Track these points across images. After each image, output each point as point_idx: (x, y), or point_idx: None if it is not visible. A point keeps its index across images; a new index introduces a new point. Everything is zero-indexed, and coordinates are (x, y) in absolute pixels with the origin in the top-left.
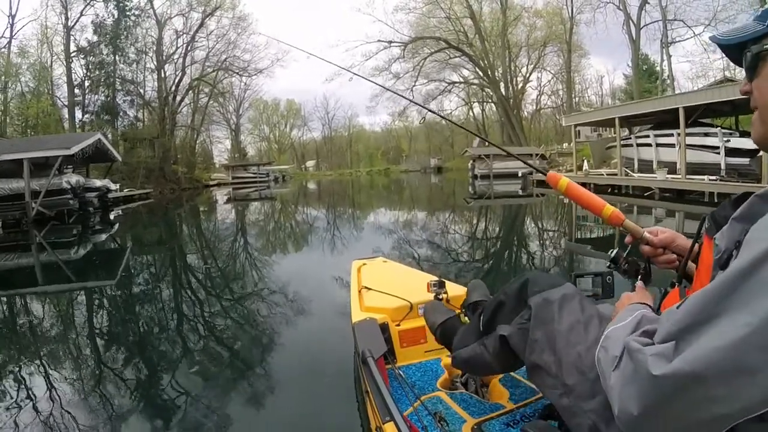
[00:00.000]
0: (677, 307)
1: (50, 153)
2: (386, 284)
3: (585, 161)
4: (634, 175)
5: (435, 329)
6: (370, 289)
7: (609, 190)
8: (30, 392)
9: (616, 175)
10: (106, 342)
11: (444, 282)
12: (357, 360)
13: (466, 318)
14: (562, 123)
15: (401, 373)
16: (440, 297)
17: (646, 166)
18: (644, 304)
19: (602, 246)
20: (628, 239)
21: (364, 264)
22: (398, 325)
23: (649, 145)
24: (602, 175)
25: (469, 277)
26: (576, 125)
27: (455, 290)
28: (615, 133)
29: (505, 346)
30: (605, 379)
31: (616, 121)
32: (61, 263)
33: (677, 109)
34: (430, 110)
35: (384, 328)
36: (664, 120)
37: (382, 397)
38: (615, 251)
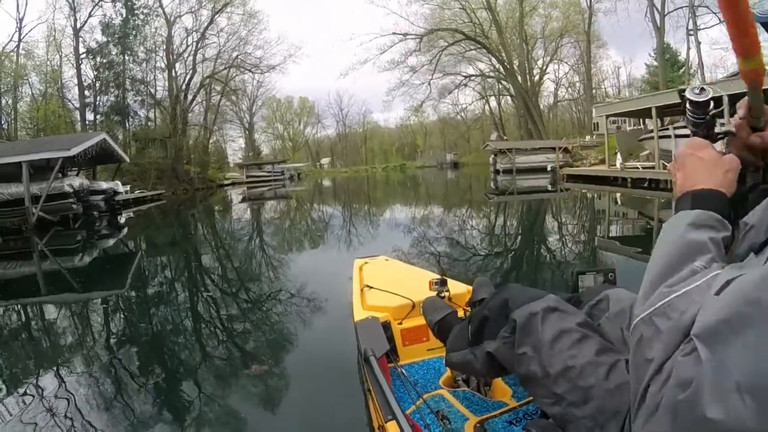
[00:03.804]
0: (716, 293)
1: (49, 155)
2: (388, 283)
3: (619, 154)
4: None
5: (433, 326)
6: (372, 287)
7: (646, 185)
8: (29, 406)
9: (653, 168)
10: (108, 344)
11: (446, 280)
12: (359, 358)
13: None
14: (593, 113)
15: (403, 371)
16: (442, 295)
17: None
18: (716, 191)
19: (616, 243)
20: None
21: (366, 263)
22: (400, 323)
23: (689, 136)
24: (638, 168)
25: (474, 275)
26: (608, 116)
27: (458, 288)
28: (643, 124)
29: (492, 360)
30: (645, 359)
31: (653, 110)
32: (64, 271)
33: (720, 97)
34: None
35: (386, 326)
36: None
37: (385, 396)
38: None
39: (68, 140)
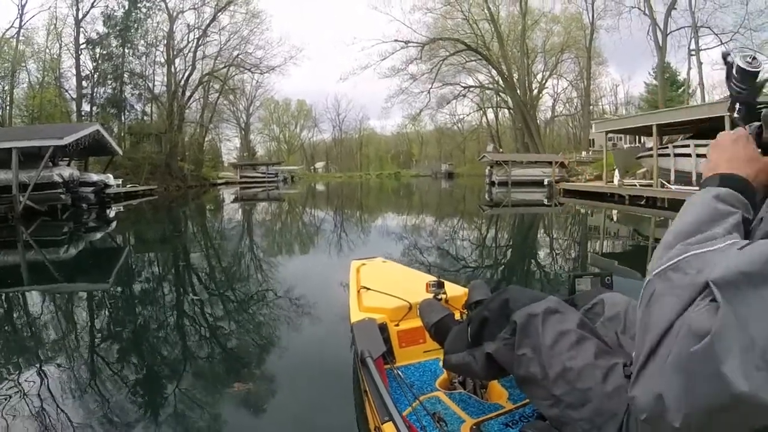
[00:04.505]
0: (740, 248)
1: (41, 143)
2: (385, 284)
3: (616, 171)
4: (671, 186)
5: (429, 328)
6: (369, 289)
7: (643, 202)
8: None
9: (651, 186)
10: (89, 341)
11: (443, 282)
12: (356, 360)
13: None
14: (592, 129)
15: (400, 373)
16: (439, 297)
17: (683, 178)
18: (743, 177)
19: (608, 255)
20: None
21: (363, 264)
22: (397, 325)
23: (688, 155)
24: (635, 185)
25: (470, 279)
26: (607, 132)
27: (454, 290)
28: (639, 142)
29: (492, 361)
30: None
31: (654, 128)
32: (48, 263)
33: (722, 117)
34: None
35: (383, 328)
36: (703, 129)
37: (381, 397)
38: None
39: (61, 129)
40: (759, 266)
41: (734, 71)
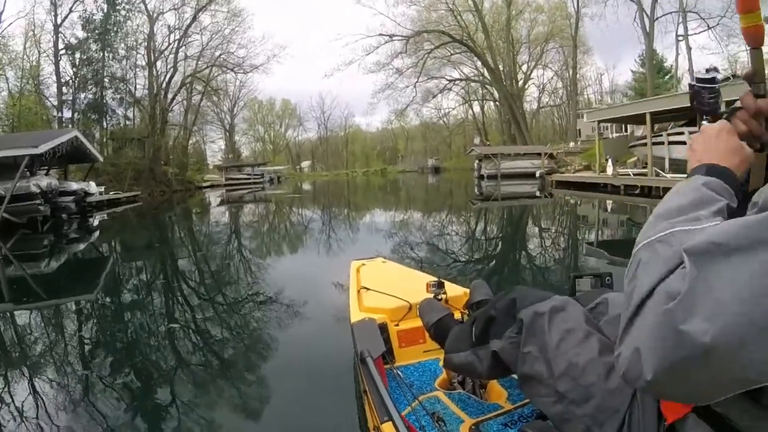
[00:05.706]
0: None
1: (15, 152)
2: (385, 284)
3: (610, 161)
4: (666, 175)
5: (429, 327)
6: (369, 289)
7: (637, 192)
8: None
9: (645, 175)
10: (73, 355)
11: (443, 282)
12: (355, 360)
13: (466, 317)
14: (583, 119)
15: (399, 373)
16: (439, 297)
17: (678, 166)
18: (729, 169)
19: (610, 247)
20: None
21: (363, 264)
22: (397, 325)
23: (683, 143)
24: (629, 175)
25: (469, 278)
26: (599, 121)
27: (454, 290)
28: (625, 130)
29: (497, 360)
30: (639, 287)
31: (647, 116)
32: (29, 278)
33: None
34: None
35: (383, 328)
36: (695, 116)
37: (381, 397)
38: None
39: (36, 137)
40: (731, 238)
41: (696, 85)
